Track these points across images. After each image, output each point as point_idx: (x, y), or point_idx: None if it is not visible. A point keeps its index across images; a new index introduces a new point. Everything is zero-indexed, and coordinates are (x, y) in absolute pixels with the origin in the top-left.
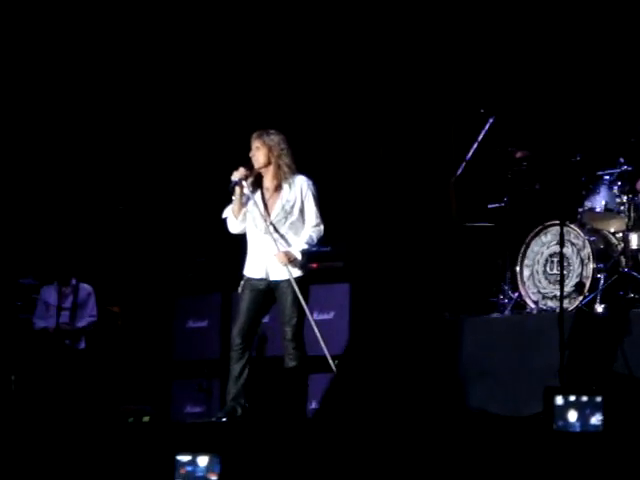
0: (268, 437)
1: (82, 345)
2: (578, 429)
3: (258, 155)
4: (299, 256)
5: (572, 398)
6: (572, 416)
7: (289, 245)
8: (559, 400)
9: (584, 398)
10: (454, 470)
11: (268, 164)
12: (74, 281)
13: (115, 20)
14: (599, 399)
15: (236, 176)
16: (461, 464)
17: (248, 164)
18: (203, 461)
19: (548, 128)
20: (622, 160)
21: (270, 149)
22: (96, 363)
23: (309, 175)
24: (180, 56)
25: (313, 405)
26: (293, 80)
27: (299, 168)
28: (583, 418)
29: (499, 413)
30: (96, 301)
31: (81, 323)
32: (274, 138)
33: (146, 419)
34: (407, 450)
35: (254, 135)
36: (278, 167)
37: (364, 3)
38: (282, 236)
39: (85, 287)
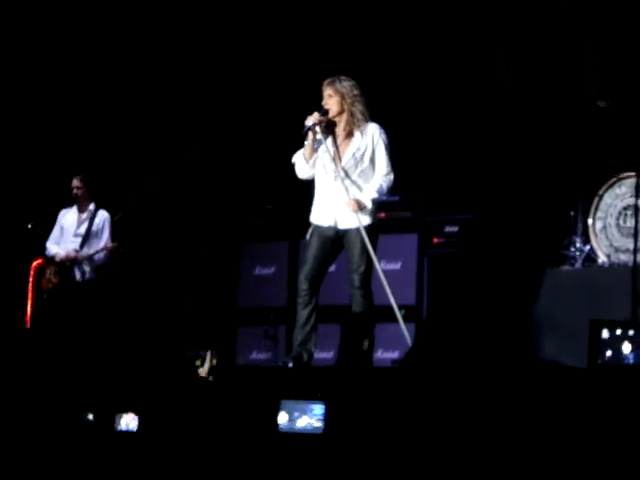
0: (339, 389)
1: (91, 276)
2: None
3: (331, 103)
4: (369, 204)
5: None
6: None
7: (360, 192)
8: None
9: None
10: (527, 421)
11: (341, 112)
12: (92, 206)
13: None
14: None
15: (310, 121)
16: (534, 416)
17: (322, 109)
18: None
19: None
20: None
21: (343, 96)
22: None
23: (381, 123)
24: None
25: (379, 354)
26: (369, 28)
27: (372, 115)
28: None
29: (572, 365)
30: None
31: (88, 251)
32: (346, 85)
33: (214, 363)
34: (482, 403)
35: (325, 82)
36: (351, 114)
37: None
38: (353, 183)
39: (102, 214)
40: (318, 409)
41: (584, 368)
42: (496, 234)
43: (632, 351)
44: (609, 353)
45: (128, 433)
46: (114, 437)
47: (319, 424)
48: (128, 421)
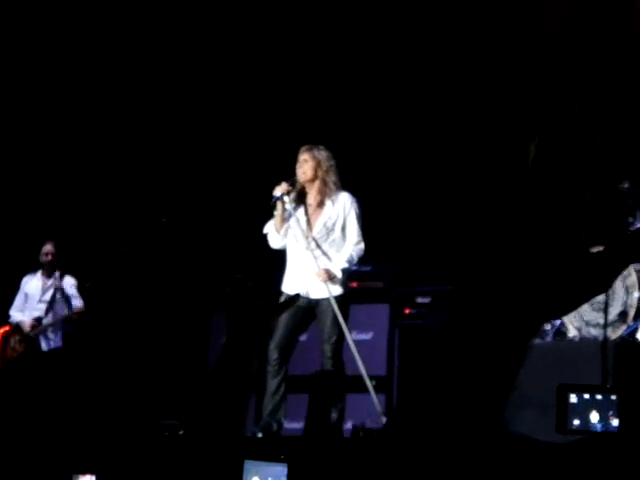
0: (304, 454)
1: (57, 344)
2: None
3: (305, 168)
4: (339, 274)
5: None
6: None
7: (330, 262)
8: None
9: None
10: None
11: (314, 179)
12: (57, 273)
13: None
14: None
15: (278, 191)
16: None
17: (290, 179)
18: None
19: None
20: None
21: (319, 163)
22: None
23: (353, 193)
24: (218, 65)
25: (349, 425)
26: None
27: (343, 185)
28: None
29: (546, 440)
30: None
31: (54, 318)
32: (323, 153)
33: (181, 433)
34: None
35: (303, 148)
36: (324, 183)
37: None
38: (323, 253)
39: (69, 280)
40: (280, 471)
41: (554, 443)
42: (476, 306)
43: (600, 420)
44: (577, 422)
45: None
46: None
47: None
48: None
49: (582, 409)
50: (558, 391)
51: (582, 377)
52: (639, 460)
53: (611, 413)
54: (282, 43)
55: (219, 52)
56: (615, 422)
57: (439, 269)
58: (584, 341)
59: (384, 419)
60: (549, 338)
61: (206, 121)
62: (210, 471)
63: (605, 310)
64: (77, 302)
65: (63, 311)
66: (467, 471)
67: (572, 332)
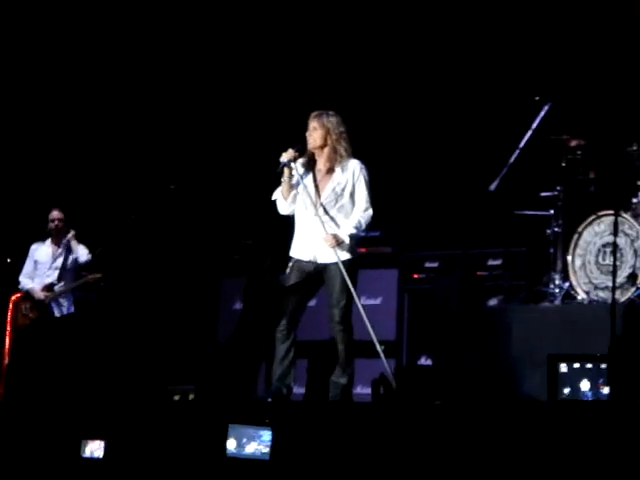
0: (315, 418)
1: (69, 310)
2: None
3: (315, 136)
4: (347, 239)
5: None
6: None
7: (338, 228)
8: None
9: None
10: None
11: (324, 146)
12: (66, 240)
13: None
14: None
15: (284, 158)
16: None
17: (297, 145)
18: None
19: (604, 116)
20: None
21: (328, 131)
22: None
23: (363, 159)
24: (228, 35)
25: (359, 389)
26: (349, 60)
27: (353, 151)
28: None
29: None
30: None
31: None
32: (333, 120)
33: (192, 397)
34: (461, 440)
35: (312, 115)
36: (334, 150)
37: None
38: (331, 219)
39: (80, 246)
40: (266, 435)
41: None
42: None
43: (590, 388)
44: (567, 390)
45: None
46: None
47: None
48: (94, 448)
49: (573, 378)
50: (548, 361)
51: (591, 340)
52: (629, 427)
53: (601, 381)
54: (292, 8)
55: (227, 19)
56: (605, 390)
57: (447, 234)
58: (593, 304)
59: (394, 383)
60: (558, 301)
61: (215, 87)
62: (219, 436)
63: (613, 273)
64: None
65: (74, 277)
66: (475, 433)
67: (581, 295)
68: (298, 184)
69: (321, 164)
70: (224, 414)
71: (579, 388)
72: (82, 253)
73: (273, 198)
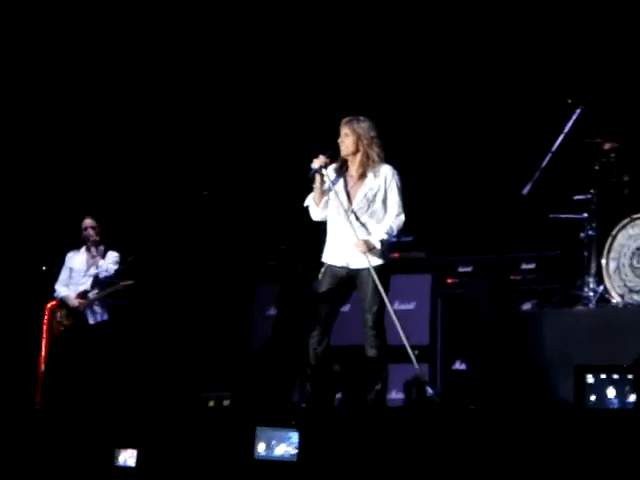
0: (348, 423)
1: (103, 317)
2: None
3: (347, 142)
4: (378, 245)
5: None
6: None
7: (369, 234)
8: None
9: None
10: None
11: (356, 152)
12: (102, 247)
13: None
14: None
15: (316, 164)
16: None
17: (328, 151)
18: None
19: (637, 118)
20: None
21: (359, 137)
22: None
23: (395, 164)
24: (262, 41)
25: (393, 394)
26: (381, 65)
27: (386, 156)
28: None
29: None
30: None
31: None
32: (364, 126)
33: (226, 403)
34: (495, 444)
35: (343, 121)
36: (367, 156)
37: None
38: (363, 224)
39: (112, 254)
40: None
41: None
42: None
43: (617, 396)
44: (593, 398)
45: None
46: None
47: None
48: (127, 457)
49: (599, 386)
50: (575, 372)
51: (626, 343)
52: None
53: (627, 389)
54: (319, 14)
55: (257, 24)
56: (632, 398)
57: (480, 238)
58: (627, 307)
59: (429, 389)
60: (592, 305)
61: (250, 94)
62: (248, 439)
63: None
64: (114, 267)
65: (108, 278)
66: (506, 437)
67: (615, 298)
68: (330, 190)
69: (353, 170)
70: (256, 418)
71: (606, 396)
72: (110, 263)
73: (305, 204)
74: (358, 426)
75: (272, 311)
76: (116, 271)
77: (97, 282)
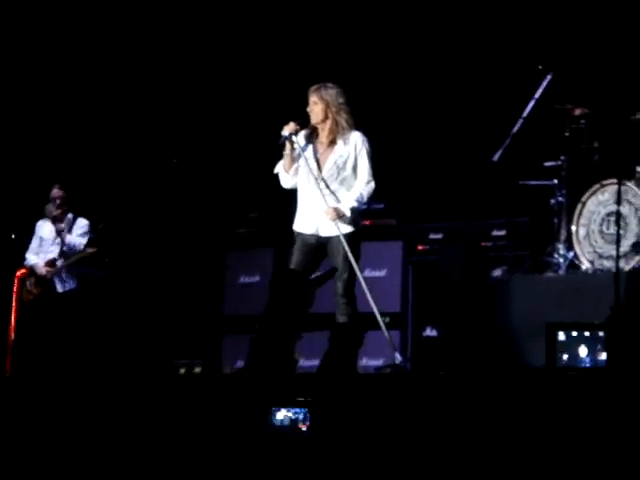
0: (318, 390)
1: (72, 286)
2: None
3: (316, 110)
4: (348, 212)
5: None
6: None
7: (339, 201)
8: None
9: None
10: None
11: (325, 119)
12: (70, 215)
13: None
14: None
15: (286, 131)
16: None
17: (298, 118)
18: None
19: (608, 84)
20: None
21: (328, 104)
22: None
23: (365, 131)
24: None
25: (364, 361)
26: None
27: (355, 123)
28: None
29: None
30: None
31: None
32: (332, 93)
33: (197, 371)
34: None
35: (311, 89)
36: (336, 123)
37: None
38: (333, 192)
39: (81, 223)
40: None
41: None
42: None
43: (588, 354)
44: (565, 357)
45: None
46: None
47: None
48: None
49: (571, 345)
50: (547, 329)
51: (596, 309)
52: (627, 393)
53: (599, 347)
54: None
55: None
56: (603, 356)
57: (451, 205)
58: (597, 273)
59: (398, 356)
60: (562, 271)
61: (218, 60)
62: (235, 413)
63: (617, 242)
64: (81, 241)
65: (75, 251)
66: (478, 402)
67: (585, 265)
68: (299, 157)
69: (323, 137)
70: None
71: (577, 355)
72: (78, 236)
73: (275, 171)
74: (329, 393)
75: (242, 279)
76: (88, 240)
77: (65, 250)
